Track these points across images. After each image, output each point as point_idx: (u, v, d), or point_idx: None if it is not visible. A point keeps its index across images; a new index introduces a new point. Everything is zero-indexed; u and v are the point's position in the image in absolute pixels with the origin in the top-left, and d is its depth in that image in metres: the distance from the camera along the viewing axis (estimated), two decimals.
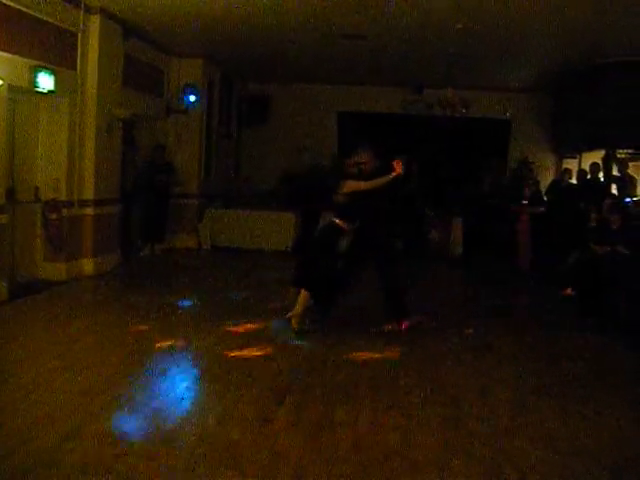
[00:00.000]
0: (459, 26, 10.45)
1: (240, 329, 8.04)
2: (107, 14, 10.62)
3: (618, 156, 13.54)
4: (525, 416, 5.58)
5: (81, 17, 10.19)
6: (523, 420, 5.48)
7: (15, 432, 4.75)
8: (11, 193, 9.38)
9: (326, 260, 8.06)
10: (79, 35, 10.27)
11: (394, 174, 7.77)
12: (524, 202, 13.04)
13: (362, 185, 7.93)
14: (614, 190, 12.93)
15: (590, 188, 12.73)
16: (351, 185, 7.98)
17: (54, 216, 10.04)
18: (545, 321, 9.21)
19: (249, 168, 17.67)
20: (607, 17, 9.60)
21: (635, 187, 13.06)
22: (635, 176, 13.40)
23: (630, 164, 13.32)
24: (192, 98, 14.11)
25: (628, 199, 12.11)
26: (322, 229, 8.54)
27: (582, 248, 10.08)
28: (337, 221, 8.07)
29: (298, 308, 7.96)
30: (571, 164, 15.54)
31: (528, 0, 9.13)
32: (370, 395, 5.94)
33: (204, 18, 10.93)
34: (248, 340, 7.57)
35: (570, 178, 14.06)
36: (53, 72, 9.48)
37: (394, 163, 7.82)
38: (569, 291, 10.38)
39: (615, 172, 13.32)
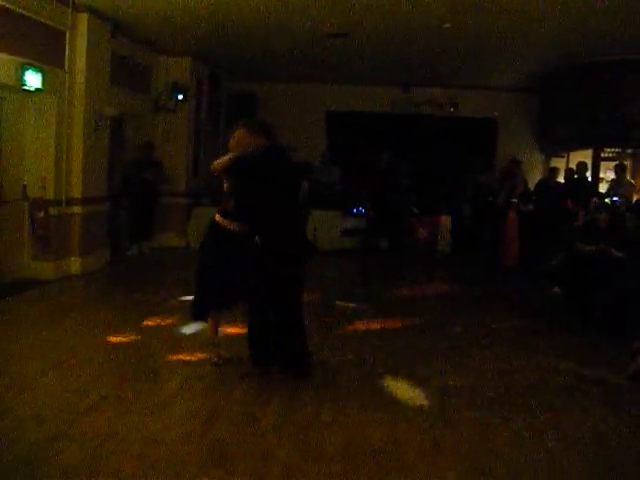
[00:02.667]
0: (447, 25, 10.48)
1: (228, 328, 8.04)
2: (95, 12, 10.56)
3: (604, 155, 13.66)
4: (513, 413, 5.59)
5: (69, 15, 10.15)
6: (511, 416, 5.51)
7: (2, 432, 4.75)
8: None
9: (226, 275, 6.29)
10: (67, 33, 10.23)
11: (230, 157, 6.02)
12: (513, 200, 13.08)
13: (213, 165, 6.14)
14: (602, 189, 13.03)
15: (577, 187, 12.79)
16: (215, 163, 6.15)
17: (41, 214, 10.01)
18: (532, 319, 9.20)
19: None
20: (594, 17, 9.66)
21: (632, 192, 13.07)
22: (632, 181, 13.49)
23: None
24: (180, 96, 14.11)
25: (616, 198, 12.16)
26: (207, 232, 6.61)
27: (569, 247, 10.12)
28: (217, 217, 6.40)
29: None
30: (559, 163, 15.61)
31: (515, 0, 9.17)
32: (358, 394, 5.95)
33: (192, 16, 10.90)
34: (235, 339, 7.56)
35: (557, 177, 14.13)
36: (41, 70, 9.46)
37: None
38: (555, 289, 10.45)
39: (610, 175, 13.44)
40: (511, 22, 10.18)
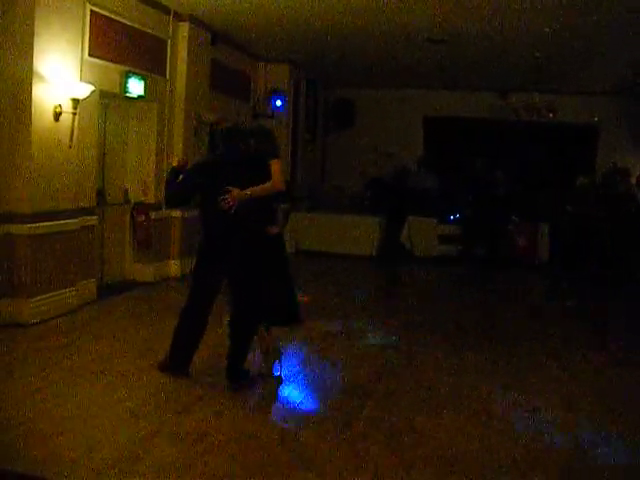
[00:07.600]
0: (546, 30, 10.22)
1: (321, 331, 8.04)
2: (196, 21, 10.83)
3: None
4: (608, 429, 5.37)
5: (170, 24, 10.42)
6: (606, 433, 5.29)
7: (100, 428, 4.86)
8: (101, 195, 9.65)
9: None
10: (168, 42, 10.49)
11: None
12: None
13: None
14: None
15: None
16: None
17: (142, 218, 10.24)
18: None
19: (334, 172, 17.71)
20: None
21: None
22: None
23: None
24: (278, 103, 14.25)
25: None
26: None
27: None
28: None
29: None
30: None
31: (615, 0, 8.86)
32: (451, 402, 5.84)
33: (290, 24, 11.01)
34: (328, 344, 7.56)
35: None
36: (143, 78, 9.72)
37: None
38: None
39: None
40: (613, 23, 9.81)
